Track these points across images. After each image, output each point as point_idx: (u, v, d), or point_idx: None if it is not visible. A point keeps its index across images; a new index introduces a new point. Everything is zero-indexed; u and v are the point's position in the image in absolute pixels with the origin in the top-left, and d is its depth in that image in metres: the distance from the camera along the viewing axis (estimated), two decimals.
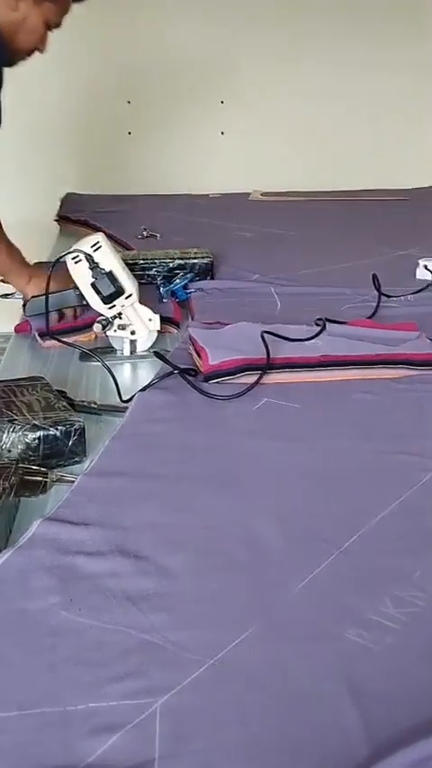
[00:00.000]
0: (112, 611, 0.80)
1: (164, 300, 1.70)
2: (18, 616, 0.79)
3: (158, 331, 1.49)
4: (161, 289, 1.72)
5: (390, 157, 3.51)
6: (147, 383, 1.32)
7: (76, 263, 1.42)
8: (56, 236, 2.39)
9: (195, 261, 1.85)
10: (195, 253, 1.88)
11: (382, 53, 3.48)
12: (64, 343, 1.48)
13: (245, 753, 0.65)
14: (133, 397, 1.28)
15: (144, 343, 1.48)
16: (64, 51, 3.31)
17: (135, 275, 1.53)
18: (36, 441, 1.07)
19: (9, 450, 1.07)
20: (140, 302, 1.46)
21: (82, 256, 1.42)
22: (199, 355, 1.38)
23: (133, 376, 1.44)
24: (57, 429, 1.08)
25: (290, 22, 3.39)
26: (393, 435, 1.18)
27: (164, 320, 1.52)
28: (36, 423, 1.08)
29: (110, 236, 1.67)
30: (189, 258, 1.85)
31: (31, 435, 1.07)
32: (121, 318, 1.45)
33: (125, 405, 1.27)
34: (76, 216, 2.48)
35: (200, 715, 0.69)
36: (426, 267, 1.92)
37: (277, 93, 3.48)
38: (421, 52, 3.51)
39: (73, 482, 1.03)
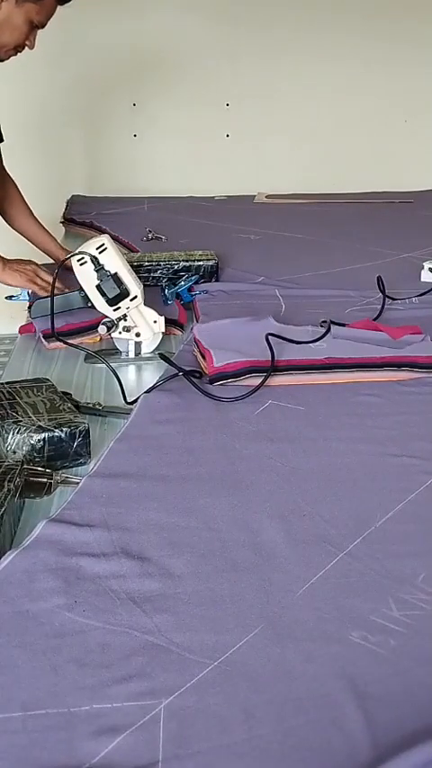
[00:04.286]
0: (116, 612, 0.81)
1: (169, 302, 1.70)
2: (23, 617, 0.79)
3: (163, 333, 1.49)
4: (166, 291, 1.72)
5: (395, 159, 3.52)
6: (151, 385, 1.32)
7: (81, 265, 1.43)
8: (61, 237, 2.40)
9: (200, 263, 1.85)
10: (200, 255, 1.89)
11: (387, 55, 3.49)
12: (69, 344, 1.48)
13: (249, 755, 0.65)
14: (138, 398, 1.28)
15: (149, 345, 1.48)
16: (69, 54, 3.34)
17: (140, 277, 1.54)
18: (41, 442, 1.07)
19: (14, 452, 1.07)
20: (145, 304, 1.46)
21: (87, 258, 1.42)
22: (204, 357, 1.38)
23: (138, 378, 1.44)
24: (61, 430, 1.08)
25: (295, 25, 3.40)
26: (398, 438, 1.18)
27: (169, 322, 1.53)
28: (41, 424, 1.09)
29: (115, 239, 1.67)
30: (194, 260, 1.86)
31: (36, 437, 1.07)
32: (125, 320, 1.45)
33: (130, 406, 1.27)
34: (81, 218, 2.48)
35: (204, 717, 0.69)
36: (431, 270, 1.92)
37: (282, 96, 3.49)
38: (426, 55, 3.52)
39: (78, 483, 1.03)
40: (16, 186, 1.98)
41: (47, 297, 1.49)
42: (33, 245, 2.01)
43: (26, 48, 1.62)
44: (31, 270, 1.70)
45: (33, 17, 1.56)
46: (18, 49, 1.62)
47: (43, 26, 1.61)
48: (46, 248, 2.01)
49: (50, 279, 1.64)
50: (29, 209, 2.00)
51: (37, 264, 1.73)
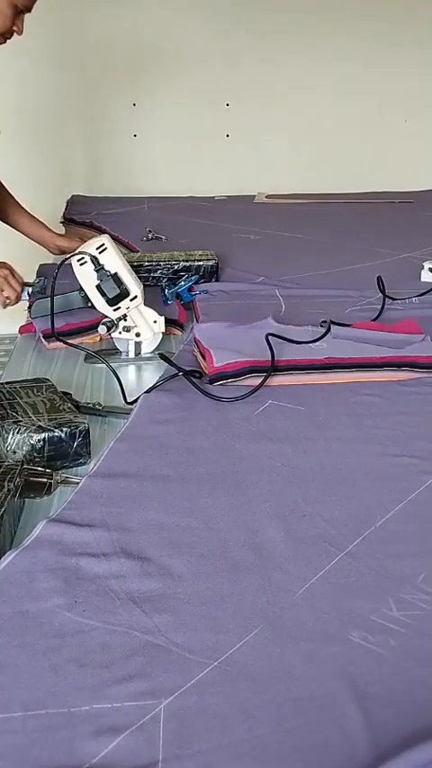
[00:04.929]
0: (116, 612, 0.81)
1: (169, 302, 1.70)
2: (23, 617, 0.79)
3: (163, 333, 1.49)
4: (166, 291, 1.72)
5: (395, 159, 3.52)
6: (151, 385, 1.32)
7: (81, 265, 1.43)
8: None
9: (200, 263, 1.85)
10: (200, 255, 1.89)
11: (387, 55, 3.49)
12: (69, 344, 1.48)
13: (249, 755, 0.65)
14: (138, 398, 1.28)
15: (149, 345, 1.48)
16: (69, 54, 3.33)
17: (140, 277, 1.54)
18: (41, 442, 1.07)
19: (14, 452, 1.07)
20: (145, 304, 1.46)
21: (87, 258, 1.42)
22: (204, 357, 1.38)
23: (138, 378, 1.44)
24: (62, 430, 1.08)
25: (295, 25, 3.39)
26: (398, 438, 1.18)
27: (169, 322, 1.53)
28: (41, 424, 1.09)
29: (115, 238, 1.67)
30: (194, 260, 1.85)
31: (36, 437, 1.07)
32: (125, 320, 1.45)
33: (130, 406, 1.27)
34: (81, 218, 2.48)
35: (204, 717, 0.69)
36: (430, 270, 1.92)
37: (282, 95, 3.49)
38: (426, 55, 3.52)
39: (78, 483, 1.03)
40: None
41: (47, 297, 1.49)
42: (26, 236, 1.98)
43: (14, 34, 1.62)
44: (2, 276, 1.57)
45: (16, 0, 1.56)
46: (6, 35, 1.62)
47: (29, 10, 1.61)
48: (40, 237, 1.97)
49: (19, 289, 1.59)
50: (15, 199, 1.97)
51: (11, 271, 1.59)
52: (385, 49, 3.48)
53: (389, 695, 0.71)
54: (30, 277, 1.81)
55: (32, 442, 1.07)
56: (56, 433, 1.08)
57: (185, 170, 3.41)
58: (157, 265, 1.82)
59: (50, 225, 2.05)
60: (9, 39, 1.63)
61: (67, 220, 2.53)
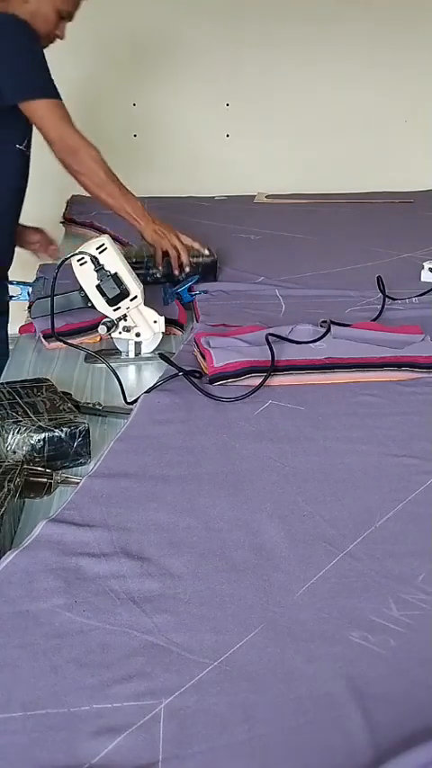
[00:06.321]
0: (116, 612, 0.81)
1: (169, 302, 1.70)
2: (23, 617, 0.79)
3: (163, 333, 1.49)
4: (166, 291, 1.72)
5: (395, 160, 3.52)
6: (151, 385, 1.32)
7: (81, 265, 1.43)
8: (61, 237, 2.40)
9: (198, 260, 1.85)
10: (198, 251, 1.88)
11: (387, 56, 3.49)
12: (69, 344, 1.48)
13: (249, 755, 0.65)
14: (138, 398, 1.28)
15: (149, 345, 1.48)
16: (69, 54, 3.32)
17: (140, 276, 1.54)
18: (41, 442, 1.07)
19: (14, 452, 1.07)
20: (145, 304, 1.46)
21: (87, 258, 1.42)
22: (204, 357, 1.38)
23: (138, 378, 1.44)
24: (62, 430, 1.08)
25: (295, 25, 3.39)
26: (398, 438, 1.18)
27: (169, 322, 1.53)
28: (41, 424, 1.09)
29: (115, 239, 1.67)
30: (192, 257, 1.85)
31: (36, 437, 1.07)
32: (126, 320, 1.45)
33: (130, 406, 1.27)
34: (81, 218, 2.48)
35: (204, 717, 0.69)
36: (430, 270, 1.92)
37: (282, 95, 3.49)
38: (426, 55, 3.52)
39: (78, 483, 1.03)
40: None
41: (47, 297, 1.49)
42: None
43: (57, 38, 1.80)
44: (170, 229, 1.79)
45: (60, 6, 1.73)
46: (50, 39, 1.79)
47: (71, 17, 1.77)
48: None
49: (187, 241, 1.80)
50: None
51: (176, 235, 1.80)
52: (385, 49, 3.48)
53: (389, 695, 0.71)
54: (30, 277, 1.81)
55: (32, 441, 1.07)
56: (56, 433, 1.08)
57: (185, 170, 3.41)
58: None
59: (50, 225, 2.04)
60: (52, 42, 1.79)
61: (68, 220, 2.53)
